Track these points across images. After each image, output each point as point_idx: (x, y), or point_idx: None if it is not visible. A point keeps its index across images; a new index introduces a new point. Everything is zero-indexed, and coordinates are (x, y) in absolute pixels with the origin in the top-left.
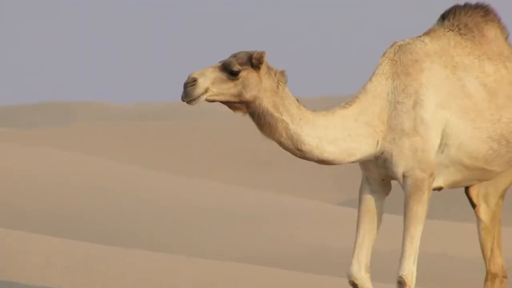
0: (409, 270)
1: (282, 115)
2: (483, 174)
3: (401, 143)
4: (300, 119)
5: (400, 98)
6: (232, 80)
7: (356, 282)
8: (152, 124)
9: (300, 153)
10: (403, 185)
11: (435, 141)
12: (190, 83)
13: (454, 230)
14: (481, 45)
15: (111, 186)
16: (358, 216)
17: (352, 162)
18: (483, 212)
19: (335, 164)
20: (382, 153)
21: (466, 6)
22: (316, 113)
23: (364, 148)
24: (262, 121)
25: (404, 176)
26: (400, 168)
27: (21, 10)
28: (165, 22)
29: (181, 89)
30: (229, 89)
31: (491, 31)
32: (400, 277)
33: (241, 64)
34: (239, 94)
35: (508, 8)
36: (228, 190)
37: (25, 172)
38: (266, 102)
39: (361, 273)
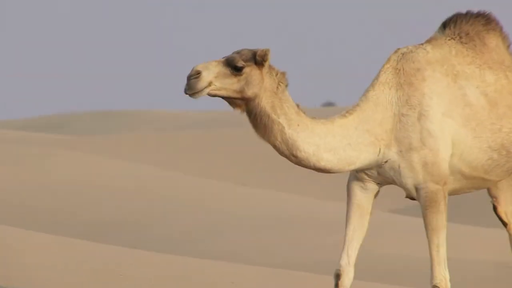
0: (442, 277)
1: (279, 118)
2: (480, 183)
3: (408, 156)
4: (298, 124)
5: (404, 110)
6: (236, 75)
7: (342, 274)
8: (210, 132)
9: (295, 159)
10: (417, 197)
11: (446, 151)
12: (194, 76)
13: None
14: (482, 54)
15: (170, 195)
16: (348, 211)
17: (352, 170)
18: None
19: (333, 172)
20: (386, 161)
21: (468, 14)
22: (316, 120)
23: (365, 156)
24: (258, 121)
25: (417, 188)
26: (409, 179)
27: (75, 17)
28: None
29: (184, 82)
30: (232, 84)
31: (493, 40)
32: (435, 286)
33: (245, 61)
34: (241, 90)
35: (510, 17)
36: (284, 197)
37: (86, 181)
38: (265, 102)
39: (348, 267)
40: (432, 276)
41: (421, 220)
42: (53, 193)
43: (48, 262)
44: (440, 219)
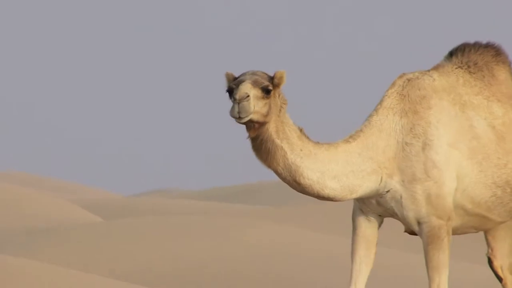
0: None
1: (281, 142)
2: (482, 223)
3: (411, 187)
4: (301, 150)
5: (408, 138)
6: (264, 98)
7: None
8: None
9: (298, 186)
10: (419, 232)
11: (452, 184)
12: (245, 98)
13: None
14: (490, 85)
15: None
16: (353, 243)
17: (354, 198)
18: (511, 283)
19: (335, 201)
20: (388, 191)
21: (476, 44)
22: (319, 145)
23: (367, 184)
24: (263, 146)
25: (419, 223)
26: (411, 212)
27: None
28: None
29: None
30: (262, 108)
31: (502, 73)
32: None
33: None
34: (266, 114)
35: None
36: None
37: (280, 250)
38: (272, 126)
39: None
40: None
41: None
42: (253, 261)
43: None
44: (442, 257)
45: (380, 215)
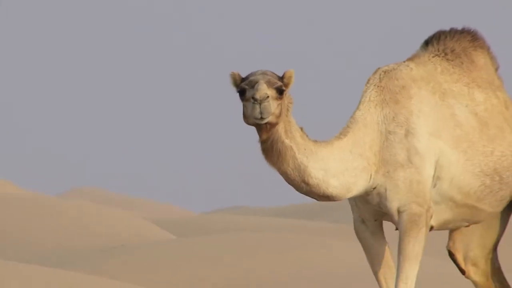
0: None
1: (290, 142)
2: (473, 214)
3: (395, 175)
4: (305, 149)
5: (391, 127)
6: (278, 99)
7: None
8: None
9: (306, 187)
10: (398, 221)
11: (430, 172)
12: (266, 99)
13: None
14: (470, 72)
15: None
16: (371, 265)
17: (349, 197)
18: (475, 274)
19: (335, 200)
20: (375, 187)
21: (452, 31)
22: (317, 143)
23: (360, 183)
24: (274, 148)
25: (399, 212)
26: (394, 203)
27: None
28: None
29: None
30: (276, 108)
31: (481, 58)
32: None
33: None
34: (279, 115)
35: (496, 42)
36: None
37: (357, 270)
38: (281, 126)
39: None
40: None
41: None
42: (329, 281)
43: None
44: (417, 248)
45: (375, 220)
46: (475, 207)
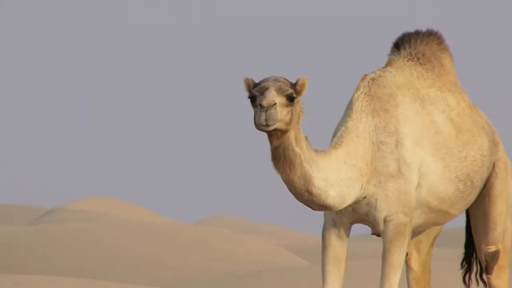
0: None
1: (300, 151)
2: (442, 218)
3: (386, 186)
4: (309, 158)
5: (383, 137)
6: (288, 106)
7: None
8: None
9: (309, 196)
10: (384, 230)
11: (416, 181)
12: (273, 106)
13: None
14: (440, 75)
15: None
16: (325, 263)
17: (342, 208)
18: (415, 261)
19: (332, 210)
20: (365, 197)
21: (420, 34)
22: (318, 153)
23: (353, 193)
24: (285, 155)
25: (385, 221)
26: (383, 213)
27: None
28: None
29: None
30: (286, 115)
31: (447, 61)
32: None
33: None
34: (289, 123)
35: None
36: None
37: None
38: (292, 134)
39: None
40: None
41: None
42: None
43: None
44: (402, 256)
45: (351, 223)
46: (447, 212)
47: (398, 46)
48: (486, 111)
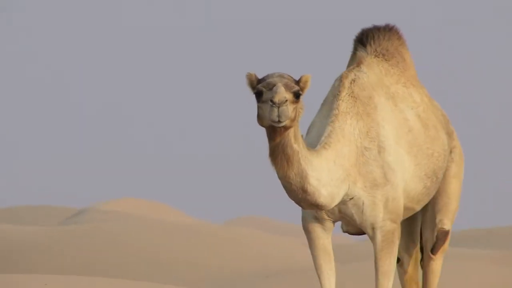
0: None
1: (298, 147)
2: (405, 215)
3: (372, 192)
4: (305, 156)
5: (366, 142)
6: (294, 103)
7: None
8: None
9: (303, 194)
10: (373, 237)
11: (402, 185)
12: (284, 102)
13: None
14: (404, 71)
15: None
16: (316, 257)
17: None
18: (407, 263)
19: (323, 209)
20: (351, 198)
21: (381, 29)
22: (311, 152)
23: (341, 193)
24: (284, 151)
25: (373, 228)
26: (370, 218)
27: None
28: None
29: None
30: (291, 112)
31: (407, 56)
32: None
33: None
34: (293, 119)
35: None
36: None
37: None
38: (292, 131)
39: None
40: None
41: None
42: None
43: None
44: (393, 261)
45: (334, 221)
46: (412, 209)
47: (362, 42)
48: (486, 110)
